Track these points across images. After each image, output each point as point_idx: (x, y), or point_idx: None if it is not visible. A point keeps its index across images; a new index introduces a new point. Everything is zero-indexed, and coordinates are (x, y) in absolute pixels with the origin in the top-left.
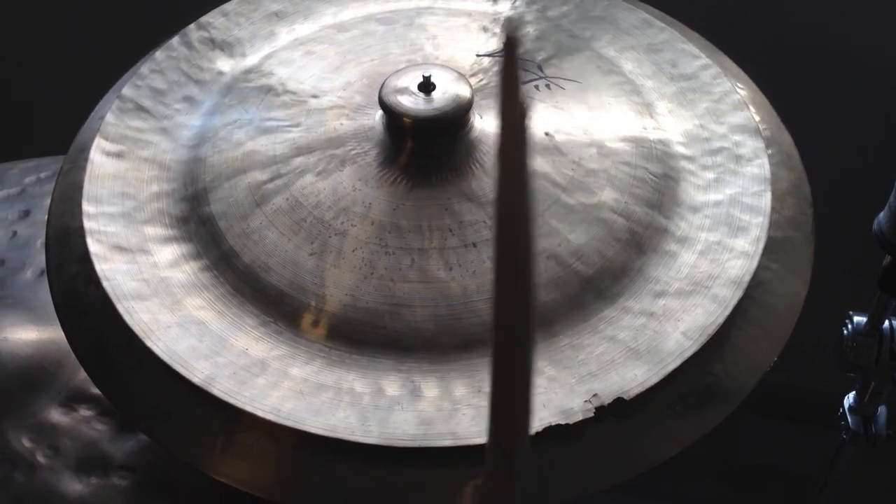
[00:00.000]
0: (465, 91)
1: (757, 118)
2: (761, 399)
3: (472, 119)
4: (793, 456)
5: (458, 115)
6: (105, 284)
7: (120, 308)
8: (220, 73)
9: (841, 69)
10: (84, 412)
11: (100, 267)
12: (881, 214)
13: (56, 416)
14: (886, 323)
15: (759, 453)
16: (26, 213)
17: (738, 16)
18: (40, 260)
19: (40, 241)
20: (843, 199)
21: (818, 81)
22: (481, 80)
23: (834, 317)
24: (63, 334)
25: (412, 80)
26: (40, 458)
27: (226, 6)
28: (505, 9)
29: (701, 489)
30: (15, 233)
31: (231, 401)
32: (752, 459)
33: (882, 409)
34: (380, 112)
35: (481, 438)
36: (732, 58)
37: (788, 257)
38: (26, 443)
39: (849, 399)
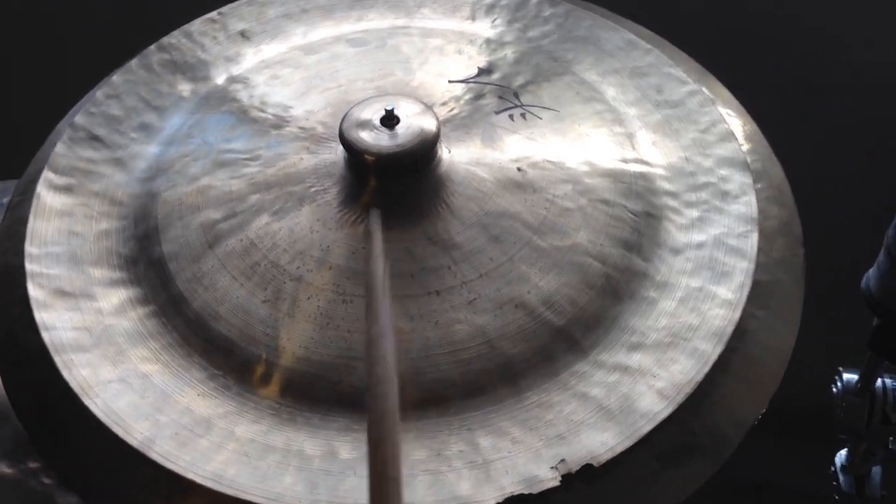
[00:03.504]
0: (430, 124)
1: (746, 149)
2: None
3: (439, 153)
4: (784, 471)
5: (423, 151)
6: (44, 335)
7: (58, 361)
8: (181, 98)
9: (844, 92)
10: (31, 464)
11: (39, 315)
12: (870, 271)
13: (1, 468)
14: (879, 382)
15: (751, 470)
16: None
17: (734, 35)
18: None
19: None
20: (838, 233)
21: (814, 103)
22: (452, 109)
23: (825, 339)
24: None
25: (375, 112)
26: None
27: (189, 26)
28: (484, 27)
29: None
30: None
31: (170, 466)
32: (743, 475)
33: (877, 469)
34: (342, 146)
35: None
36: (726, 79)
37: (776, 303)
38: None
39: (840, 457)
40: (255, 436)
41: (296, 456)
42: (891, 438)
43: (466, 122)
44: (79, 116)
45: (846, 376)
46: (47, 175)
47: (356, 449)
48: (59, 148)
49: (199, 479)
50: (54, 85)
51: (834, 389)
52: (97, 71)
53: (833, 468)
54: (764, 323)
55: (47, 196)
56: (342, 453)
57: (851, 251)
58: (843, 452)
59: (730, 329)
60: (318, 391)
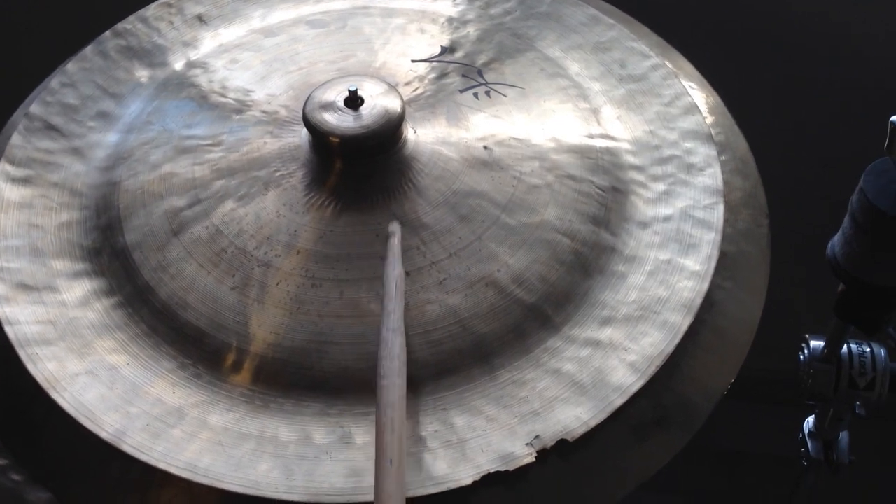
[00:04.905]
0: (395, 104)
1: (710, 121)
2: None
3: (404, 133)
4: (753, 439)
5: (388, 131)
6: (7, 329)
7: (23, 355)
8: (139, 84)
9: (808, 60)
10: (0, 461)
11: (2, 310)
12: (835, 238)
13: None
14: (845, 348)
15: (721, 438)
16: None
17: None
18: None
19: None
20: (802, 202)
21: (777, 71)
22: (416, 88)
23: (795, 303)
24: None
25: (338, 94)
26: None
27: (144, 10)
28: (446, 6)
29: (671, 473)
30: None
31: (142, 457)
32: (713, 444)
33: (844, 434)
34: (306, 129)
35: (416, 490)
36: (688, 53)
37: (742, 273)
38: None
39: (808, 423)
40: (228, 424)
41: (270, 443)
42: (857, 403)
43: (431, 101)
44: (34, 106)
45: (813, 343)
46: (4, 167)
47: (331, 433)
48: (16, 139)
49: (173, 470)
50: (7, 74)
51: (801, 357)
52: (51, 59)
53: (801, 434)
54: (731, 293)
55: (5, 188)
56: (317, 438)
57: (815, 220)
58: (811, 419)
59: (698, 300)
60: (291, 377)
